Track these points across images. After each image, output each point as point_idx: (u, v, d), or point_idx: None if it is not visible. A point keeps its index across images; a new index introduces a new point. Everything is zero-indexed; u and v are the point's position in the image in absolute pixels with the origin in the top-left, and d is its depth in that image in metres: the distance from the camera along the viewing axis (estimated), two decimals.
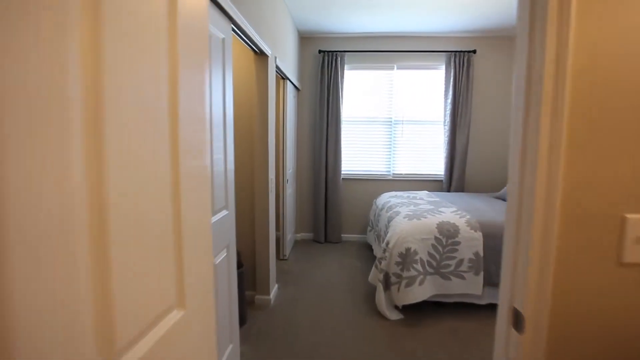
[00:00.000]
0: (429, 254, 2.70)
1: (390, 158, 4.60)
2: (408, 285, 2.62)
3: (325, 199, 4.50)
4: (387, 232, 2.94)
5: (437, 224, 2.77)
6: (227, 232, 1.83)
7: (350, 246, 4.45)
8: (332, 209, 4.47)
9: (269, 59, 2.68)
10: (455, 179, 4.37)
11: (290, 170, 4.05)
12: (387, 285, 2.73)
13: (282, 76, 3.49)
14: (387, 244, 2.78)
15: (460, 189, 4.39)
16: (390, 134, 4.55)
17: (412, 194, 3.96)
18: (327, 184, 4.47)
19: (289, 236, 4.05)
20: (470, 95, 4.26)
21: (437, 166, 4.58)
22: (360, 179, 4.63)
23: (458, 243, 2.70)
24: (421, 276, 2.66)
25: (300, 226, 4.72)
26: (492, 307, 2.84)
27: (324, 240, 4.55)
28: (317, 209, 4.50)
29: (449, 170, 4.42)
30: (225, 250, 1.80)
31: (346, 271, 3.63)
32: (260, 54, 2.62)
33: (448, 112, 4.31)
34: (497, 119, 4.46)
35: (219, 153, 1.68)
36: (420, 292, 2.64)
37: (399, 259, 2.67)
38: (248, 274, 2.83)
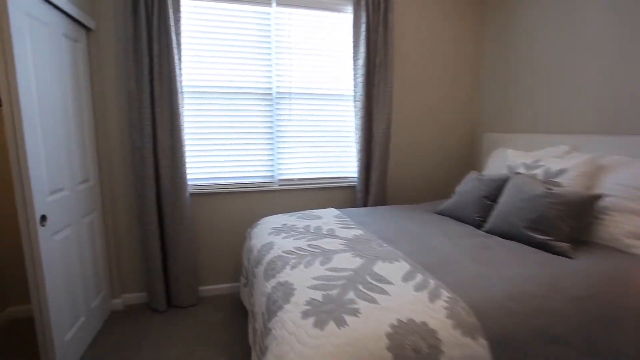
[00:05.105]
0: None
1: (273, 155, 2.82)
2: None
3: (162, 232, 2.49)
4: (265, 354, 1.17)
5: (389, 334, 1.11)
6: None
7: (213, 311, 2.55)
8: (175, 248, 2.49)
9: None
10: (374, 184, 2.86)
11: (47, 198, 1.91)
12: None
13: None
14: None
15: (382, 198, 2.91)
16: (272, 116, 2.77)
17: (313, 218, 2.27)
18: (161, 206, 2.46)
19: (68, 333, 1.93)
20: (391, 57, 2.75)
21: (346, 164, 3.01)
22: (224, 192, 2.73)
23: None
24: None
25: (125, 284, 2.61)
26: None
27: (166, 305, 2.55)
28: (149, 251, 2.46)
29: (365, 170, 2.89)
30: None
31: None
32: None
33: (359, 80, 2.73)
34: (426, 92, 3.09)
35: None
36: None
37: None
38: None
